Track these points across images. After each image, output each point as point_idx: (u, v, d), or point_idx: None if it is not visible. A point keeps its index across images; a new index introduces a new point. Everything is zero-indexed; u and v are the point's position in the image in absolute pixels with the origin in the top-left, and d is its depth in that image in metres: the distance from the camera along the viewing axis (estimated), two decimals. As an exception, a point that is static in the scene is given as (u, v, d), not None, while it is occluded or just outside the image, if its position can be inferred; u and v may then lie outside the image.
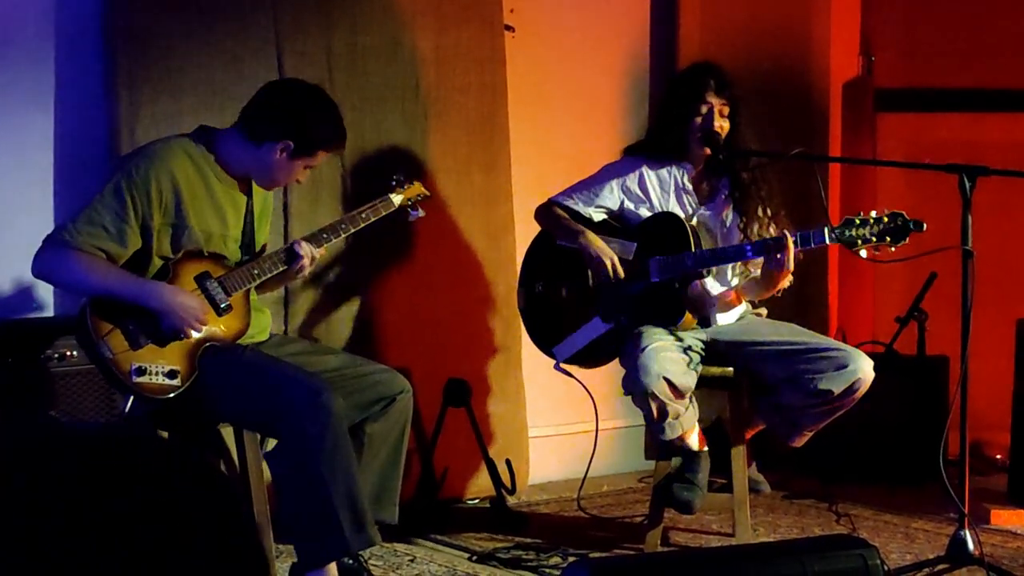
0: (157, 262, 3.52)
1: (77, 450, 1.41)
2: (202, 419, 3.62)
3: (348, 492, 3.42)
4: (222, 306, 3.54)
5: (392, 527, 3.82)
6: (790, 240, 3.88)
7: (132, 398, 3.48)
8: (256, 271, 3.61)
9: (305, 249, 3.67)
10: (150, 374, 3.43)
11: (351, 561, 3.65)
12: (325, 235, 3.73)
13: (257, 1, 4.39)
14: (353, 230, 3.79)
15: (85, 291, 3.46)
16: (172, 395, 3.46)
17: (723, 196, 4.24)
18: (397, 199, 3.93)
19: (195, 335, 3.49)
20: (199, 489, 1.44)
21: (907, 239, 3.79)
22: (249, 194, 3.70)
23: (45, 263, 3.44)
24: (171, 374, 3.45)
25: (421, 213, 4.02)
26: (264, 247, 3.80)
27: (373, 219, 3.84)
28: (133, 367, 3.41)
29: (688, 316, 4.08)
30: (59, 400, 3.82)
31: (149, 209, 3.46)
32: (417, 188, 4.01)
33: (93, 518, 1.35)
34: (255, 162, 3.61)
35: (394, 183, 3.96)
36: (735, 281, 4.20)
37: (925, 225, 3.77)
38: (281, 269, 3.67)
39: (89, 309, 3.42)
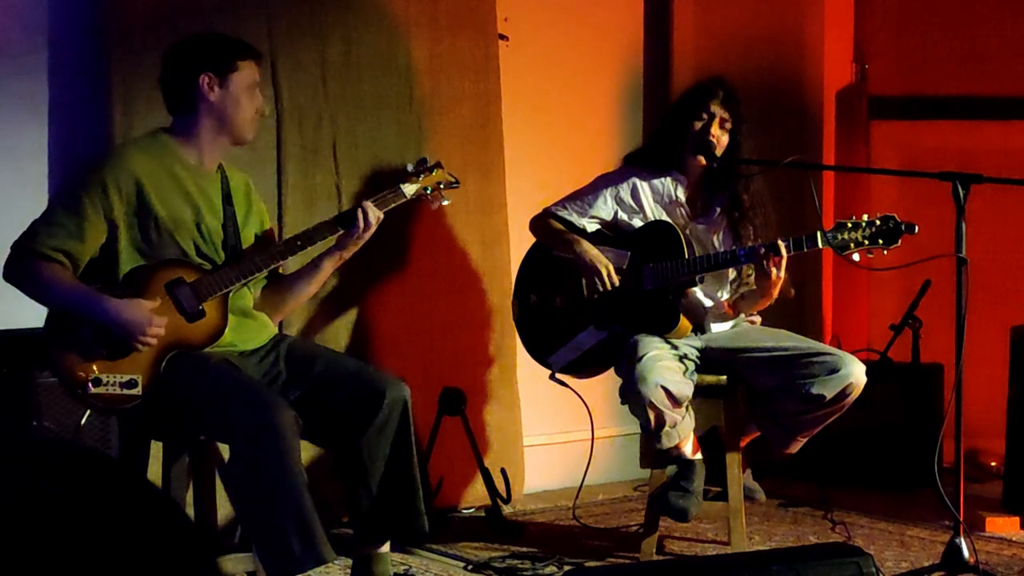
0: (128, 254, 3.46)
1: (32, 462, 1.40)
2: (178, 428, 3.54)
3: (296, 510, 3.28)
4: (191, 313, 3.44)
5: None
6: (783, 247, 3.89)
7: (88, 412, 3.46)
8: (234, 275, 3.48)
9: (371, 211, 3.56)
10: (107, 385, 3.36)
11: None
12: (310, 235, 3.58)
13: (251, 11, 4.39)
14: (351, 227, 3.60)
15: (41, 302, 3.44)
16: (131, 405, 3.40)
17: (718, 212, 4.22)
18: (410, 189, 3.69)
19: (148, 347, 3.39)
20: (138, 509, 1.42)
21: (899, 242, 3.80)
22: (224, 182, 3.61)
23: (9, 271, 3.45)
24: (129, 383, 3.38)
25: (447, 201, 3.77)
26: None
27: (381, 211, 3.64)
28: (90, 378, 3.36)
29: (683, 323, 4.08)
30: (50, 412, 3.81)
31: (108, 202, 3.42)
32: (439, 175, 3.74)
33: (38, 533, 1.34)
34: (207, 118, 3.53)
35: (411, 170, 3.72)
36: (724, 296, 4.20)
37: (917, 227, 3.77)
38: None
39: (49, 320, 3.41)
